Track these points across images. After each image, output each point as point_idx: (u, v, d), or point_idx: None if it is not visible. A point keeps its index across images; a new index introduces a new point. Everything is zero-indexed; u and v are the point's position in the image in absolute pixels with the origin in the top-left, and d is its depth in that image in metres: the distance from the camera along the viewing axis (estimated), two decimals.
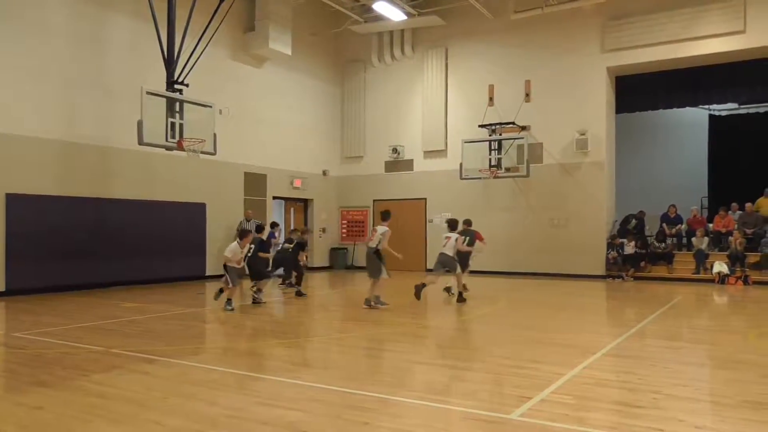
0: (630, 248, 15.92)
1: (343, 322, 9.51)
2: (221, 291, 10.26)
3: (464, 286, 11.44)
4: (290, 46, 17.36)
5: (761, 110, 19.21)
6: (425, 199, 19.10)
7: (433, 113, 18.88)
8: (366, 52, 20.01)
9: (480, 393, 5.07)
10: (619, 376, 5.65)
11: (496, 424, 4.21)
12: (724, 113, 19.75)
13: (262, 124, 17.54)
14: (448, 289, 12.07)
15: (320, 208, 20.00)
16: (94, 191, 13.27)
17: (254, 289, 10.89)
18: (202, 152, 12.48)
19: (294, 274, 12.71)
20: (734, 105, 19.31)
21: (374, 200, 20.03)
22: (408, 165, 19.43)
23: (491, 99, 17.13)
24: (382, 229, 10.32)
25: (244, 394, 4.98)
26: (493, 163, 16.84)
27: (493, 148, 16.93)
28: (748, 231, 15.29)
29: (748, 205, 16.03)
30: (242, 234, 10.75)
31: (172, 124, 11.91)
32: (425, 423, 4.25)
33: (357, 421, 4.25)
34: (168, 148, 12.24)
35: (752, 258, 14.72)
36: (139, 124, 11.20)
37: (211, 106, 12.77)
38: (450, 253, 10.81)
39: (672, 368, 5.95)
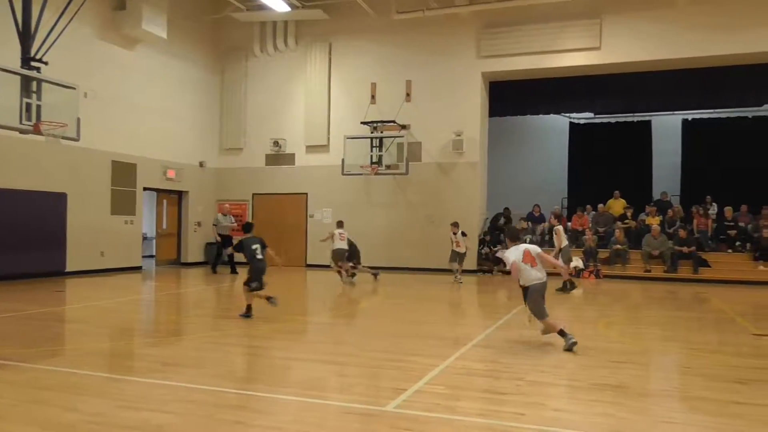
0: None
1: (218, 319, 9.21)
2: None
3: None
4: (166, 28, 16.46)
5: (613, 120, 21.14)
6: (306, 194, 18.99)
7: (316, 108, 18.79)
8: (247, 41, 19.48)
9: (356, 387, 5.14)
10: (487, 365, 5.98)
11: (371, 417, 4.29)
12: (582, 121, 21.49)
13: (133, 109, 16.49)
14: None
15: (196, 201, 19.19)
16: None
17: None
18: (63, 137, 11.49)
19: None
20: (591, 114, 21.09)
21: (254, 194, 19.58)
22: (289, 159, 19.20)
23: (373, 97, 17.39)
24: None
25: (106, 398, 4.67)
26: (374, 160, 17.10)
27: (374, 145, 17.20)
28: (600, 229, 16.84)
29: (600, 206, 17.70)
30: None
31: (28, 105, 10.80)
32: (300, 419, 4.24)
33: (229, 421, 4.15)
34: (23, 132, 11.13)
35: (603, 254, 16.20)
36: None
37: (74, 88, 11.77)
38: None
39: (534, 356, 6.40)
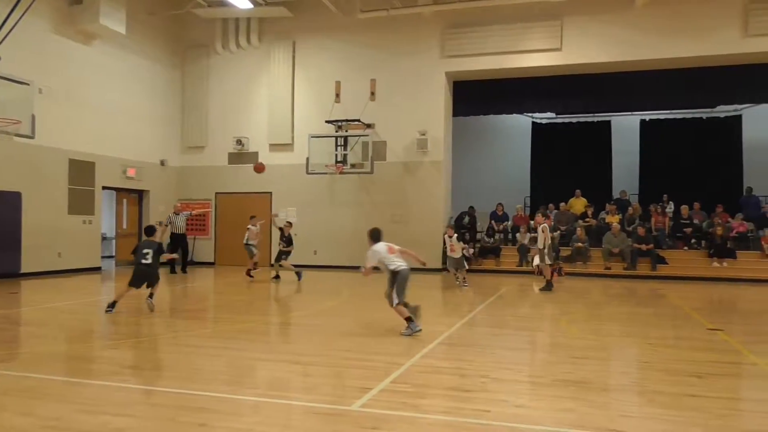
0: (466, 251, 17.04)
1: (180, 320, 9.04)
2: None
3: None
4: (124, 24, 16.07)
5: (574, 120, 21.55)
6: (270, 192, 18.81)
7: (280, 106, 18.63)
8: (209, 37, 19.17)
9: (322, 387, 5.12)
10: (452, 363, 6.02)
11: (337, 416, 4.28)
12: (544, 121, 21.85)
13: (91, 106, 16.06)
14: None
15: (157, 200, 18.80)
16: None
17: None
18: (17, 135, 11.15)
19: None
20: (553, 114, 21.46)
21: (216, 193, 19.30)
22: (253, 157, 18.95)
23: (338, 95, 17.32)
24: None
25: (64, 402, 4.54)
26: (339, 158, 17.04)
27: (339, 144, 17.13)
28: (562, 228, 17.14)
29: (562, 204, 18.02)
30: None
31: None
32: (265, 420, 4.20)
33: (193, 423, 4.08)
34: None
35: (565, 252, 16.50)
36: None
37: (28, 84, 11.43)
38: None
39: (498, 353, 6.48)
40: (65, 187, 15.44)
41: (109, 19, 15.54)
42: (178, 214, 15.96)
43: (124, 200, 18.25)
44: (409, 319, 7.22)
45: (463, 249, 13.27)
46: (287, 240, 14.04)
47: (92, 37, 16.06)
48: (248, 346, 7.00)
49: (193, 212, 17.45)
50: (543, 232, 12.48)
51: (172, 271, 15.74)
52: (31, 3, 11.78)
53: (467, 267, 13.05)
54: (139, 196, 18.53)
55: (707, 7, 15.35)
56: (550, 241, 12.59)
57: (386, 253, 7.45)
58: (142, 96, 18.08)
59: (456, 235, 13.22)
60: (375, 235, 7.69)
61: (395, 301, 7.24)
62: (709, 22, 15.31)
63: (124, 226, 18.39)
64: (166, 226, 15.76)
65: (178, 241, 15.82)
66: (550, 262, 12.63)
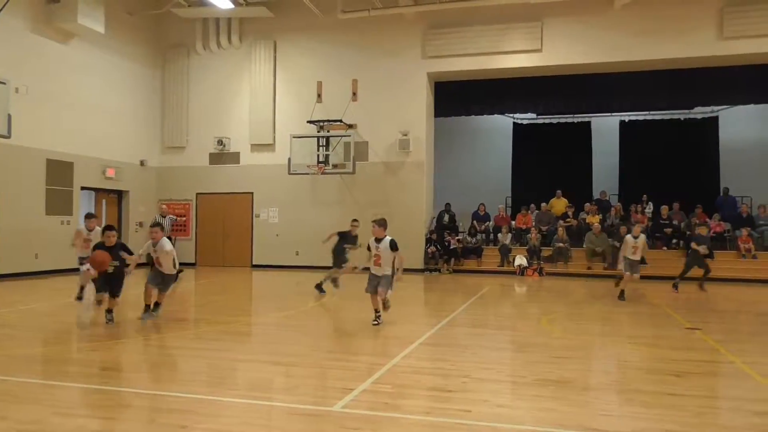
0: (454, 242, 17.13)
1: (159, 321, 8.94)
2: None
3: None
4: (103, 23, 15.88)
5: (555, 121, 21.73)
6: (252, 193, 18.70)
7: (261, 106, 18.53)
8: (190, 37, 19.01)
9: (303, 387, 5.10)
10: (434, 363, 6.04)
11: (318, 417, 4.26)
12: (525, 122, 22.00)
13: (70, 106, 15.83)
14: None
15: (137, 201, 18.59)
16: None
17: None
18: None
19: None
20: (533, 115, 21.62)
21: (197, 193, 19.14)
22: (234, 158, 18.85)
23: (319, 96, 17.29)
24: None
25: (40, 405, 4.46)
26: (321, 159, 17.01)
27: (321, 144, 17.10)
28: (543, 228, 17.27)
29: (543, 205, 18.16)
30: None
31: None
32: (247, 421, 4.17)
33: (173, 425, 4.04)
34: None
35: (546, 252, 16.63)
36: None
37: (4, 83, 11.26)
38: None
39: (479, 353, 6.50)
40: (43, 188, 15.20)
41: (88, 18, 15.33)
42: (165, 217, 15.20)
43: (104, 201, 18.00)
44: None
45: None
46: (353, 240, 11.72)
47: (70, 36, 15.83)
48: (229, 347, 6.95)
49: (178, 218, 16.95)
50: (641, 242, 11.31)
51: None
52: (6, 1, 11.60)
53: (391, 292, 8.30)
54: (119, 196, 18.30)
55: (684, 10, 15.59)
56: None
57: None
58: (122, 96, 17.86)
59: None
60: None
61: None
62: (685, 25, 15.55)
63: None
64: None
65: None
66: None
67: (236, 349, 6.85)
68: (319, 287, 11.52)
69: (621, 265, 11.48)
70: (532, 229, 17.07)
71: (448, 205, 18.46)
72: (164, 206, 15.99)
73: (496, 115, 21.37)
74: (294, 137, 17.14)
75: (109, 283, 8.01)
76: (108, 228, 8.22)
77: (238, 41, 18.72)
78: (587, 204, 17.94)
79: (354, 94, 17.07)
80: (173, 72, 19.33)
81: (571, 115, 21.25)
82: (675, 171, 19.38)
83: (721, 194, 18.25)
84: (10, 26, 13.49)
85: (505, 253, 16.88)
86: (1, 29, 12.19)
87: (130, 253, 8.16)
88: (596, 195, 19.47)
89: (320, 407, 4.45)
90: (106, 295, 8.03)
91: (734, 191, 18.24)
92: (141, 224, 18.47)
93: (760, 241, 16.10)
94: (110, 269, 7.88)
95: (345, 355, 6.24)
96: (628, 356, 6.55)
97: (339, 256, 11.47)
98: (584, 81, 17.46)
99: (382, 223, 8.01)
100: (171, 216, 15.59)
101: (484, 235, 17.94)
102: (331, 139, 17.12)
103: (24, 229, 14.46)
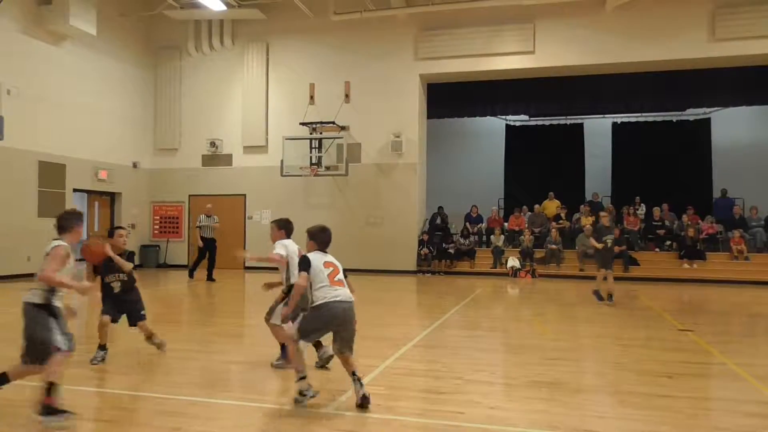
0: (450, 248, 17.17)
1: (153, 323, 8.89)
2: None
3: None
4: (95, 25, 15.80)
5: (547, 122, 21.80)
6: (245, 195, 18.66)
7: (254, 108, 18.49)
8: (182, 39, 18.96)
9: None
10: (427, 365, 6.04)
11: (312, 418, 4.26)
12: (518, 123, 22.05)
13: (62, 108, 15.75)
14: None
15: (130, 203, 18.51)
16: None
17: None
18: None
19: None
20: (526, 116, 21.68)
21: (190, 195, 19.08)
22: (227, 159, 18.81)
23: (312, 97, 17.29)
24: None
25: (31, 408, 4.43)
26: (313, 161, 17.00)
27: (313, 146, 17.09)
28: (536, 230, 17.32)
29: (536, 206, 18.21)
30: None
31: None
32: (241, 423, 4.16)
33: (167, 427, 4.03)
34: None
35: (539, 253, 16.66)
36: None
37: None
38: None
39: (472, 355, 6.51)
40: (35, 190, 15.11)
41: (80, 20, 15.26)
42: (210, 216, 14.92)
43: (96, 203, 17.93)
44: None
45: None
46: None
47: (62, 38, 15.76)
48: (222, 348, 6.94)
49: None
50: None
51: (210, 278, 14.52)
52: None
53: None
54: (111, 198, 18.22)
55: (676, 12, 15.68)
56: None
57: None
58: (114, 98, 17.79)
59: None
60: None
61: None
62: (678, 27, 15.63)
63: (96, 229, 18.04)
64: (198, 227, 14.87)
65: (207, 246, 14.71)
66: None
67: (229, 351, 6.83)
68: None
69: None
70: (525, 230, 17.11)
71: (440, 208, 18.48)
72: (209, 205, 15.41)
73: (488, 117, 21.40)
74: (287, 139, 17.12)
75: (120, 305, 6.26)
76: (118, 228, 6.98)
77: (230, 43, 18.68)
78: (582, 206, 17.95)
79: (346, 95, 17.08)
80: (165, 74, 19.26)
81: (564, 117, 21.31)
82: (667, 173, 19.47)
83: (720, 195, 18.34)
84: (1, 28, 13.43)
85: (498, 254, 16.91)
86: None
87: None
88: (589, 197, 19.52)
89: (313, 409, 4.44)
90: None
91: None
92: (134, 226, 18.37)
93: (752, 243, 16.19)
94: (116, 288, 6.41)
95: (337, 357, 6.22)
96: (621, 358, 6.57)
97: None
98: (576, 82, 17.52)
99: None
100: (214, 217, 15.04)
101: (476, 236, 17.98)
102: (323, 140, 17.11)
103: (16, 231, 14.37)
